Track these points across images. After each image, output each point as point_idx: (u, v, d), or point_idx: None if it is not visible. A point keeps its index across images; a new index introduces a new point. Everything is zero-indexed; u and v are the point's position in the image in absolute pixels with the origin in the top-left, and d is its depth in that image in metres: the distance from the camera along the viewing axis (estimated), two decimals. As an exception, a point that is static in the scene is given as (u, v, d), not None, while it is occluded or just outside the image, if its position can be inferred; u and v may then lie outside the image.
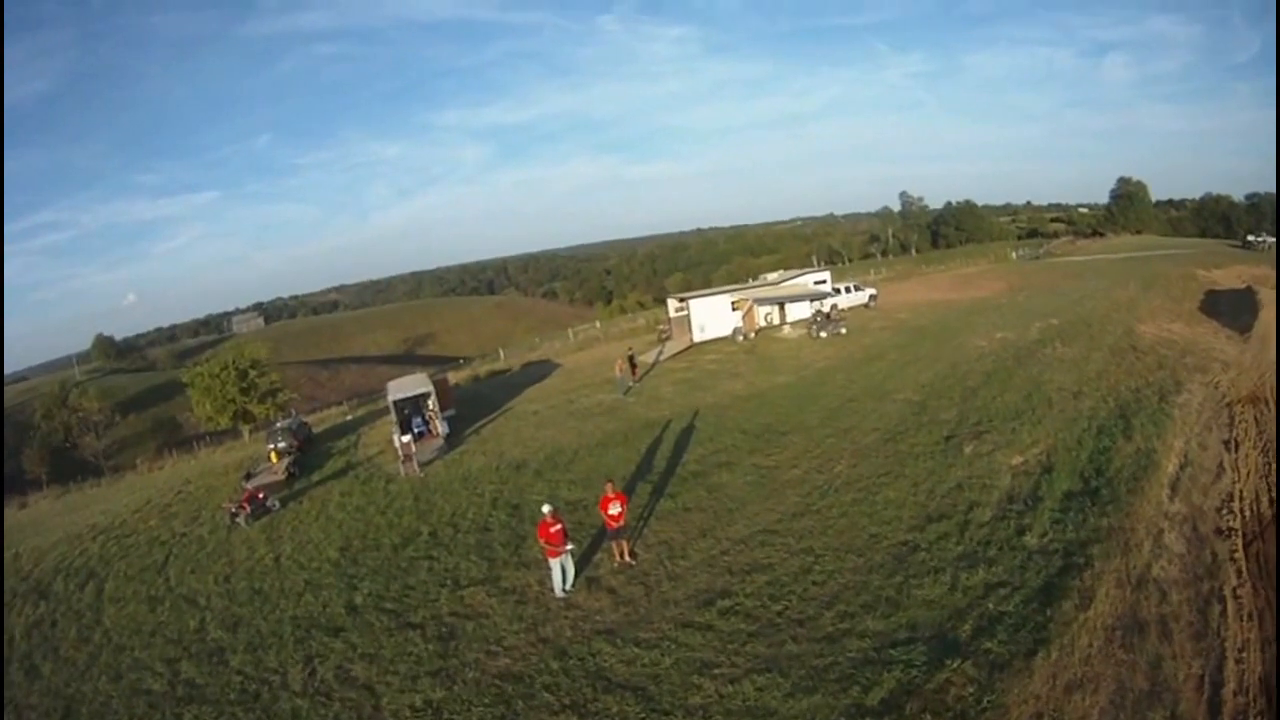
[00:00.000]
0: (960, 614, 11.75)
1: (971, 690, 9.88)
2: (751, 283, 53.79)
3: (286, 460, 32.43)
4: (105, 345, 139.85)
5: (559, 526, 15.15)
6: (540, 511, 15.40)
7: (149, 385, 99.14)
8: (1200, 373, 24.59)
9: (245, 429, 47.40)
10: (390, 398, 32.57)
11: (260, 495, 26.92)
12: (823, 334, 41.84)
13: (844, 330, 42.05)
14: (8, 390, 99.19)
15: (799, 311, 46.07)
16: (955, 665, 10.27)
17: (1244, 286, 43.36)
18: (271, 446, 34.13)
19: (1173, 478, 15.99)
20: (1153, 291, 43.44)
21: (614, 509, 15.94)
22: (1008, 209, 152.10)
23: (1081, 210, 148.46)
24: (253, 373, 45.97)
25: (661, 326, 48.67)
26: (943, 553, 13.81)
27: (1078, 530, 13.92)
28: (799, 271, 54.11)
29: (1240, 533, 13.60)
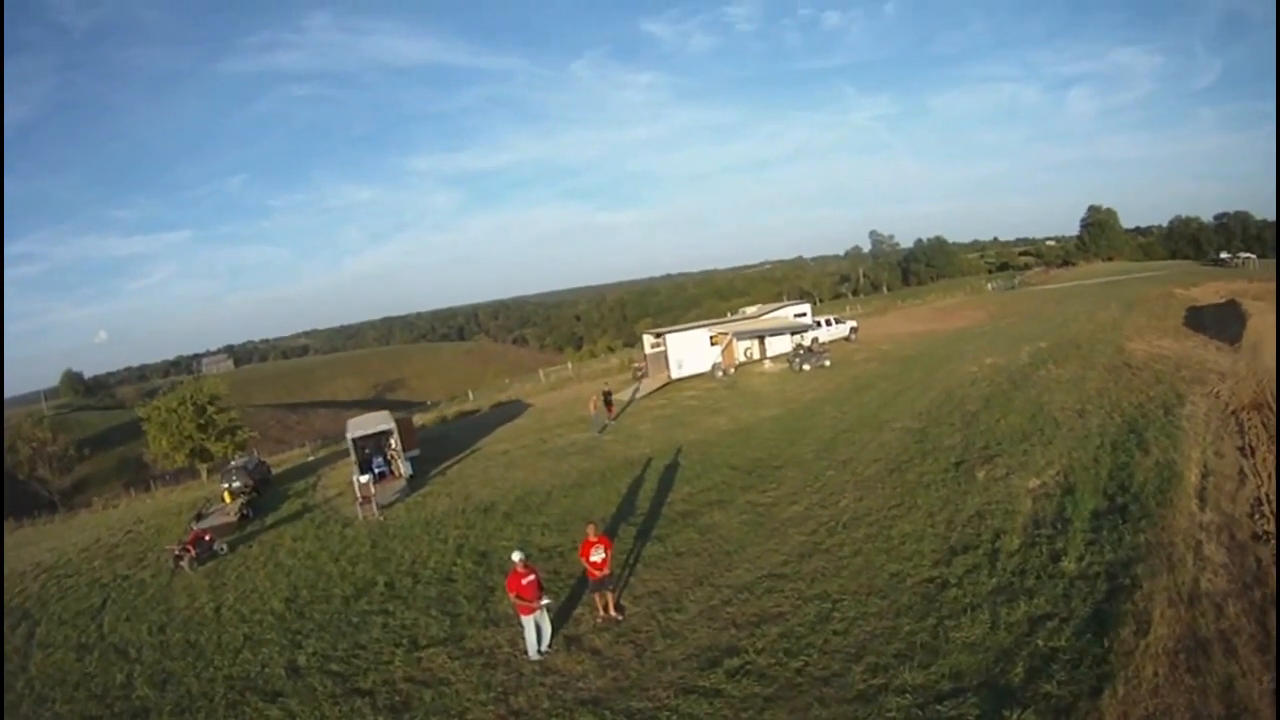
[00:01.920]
0: (1008, 655, 9.93)
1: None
2: (730, 317, 51.84)
3: (240, 501, 29.96)
4: (74, 381, 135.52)
5: (532, 577, 12.83)
6: (510, 560, 13.08)
7: (116, 423, 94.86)
8: (1199, 384, 23.98)
9: (203, 468, 44.24)
10: (350, 435, 30.19)
11: (207, 537, 24.49)
12: (805, 367, 40.34)
13: (827, 363, 40.60)
14: None
15: (779, 345, 44.46)
16: (1015, 718, 8.49)
17: (1225, 301, 43.89)
18: (225, 486, 31.65)
19: (1198, 488, 15.02)
20: (1135, 311, 43.36)
21: (596, 555, 13.64)
22: (975, 245, 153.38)
23: (1049, 243, 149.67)
24: (210, 409, 42.71)
25: (636, 365, 46.63)
26: (975, 587, 12.06)
27: (1115, 550, 12.61)
28: (778, 305, 52.48)
29: (1277, 536, 12.70)
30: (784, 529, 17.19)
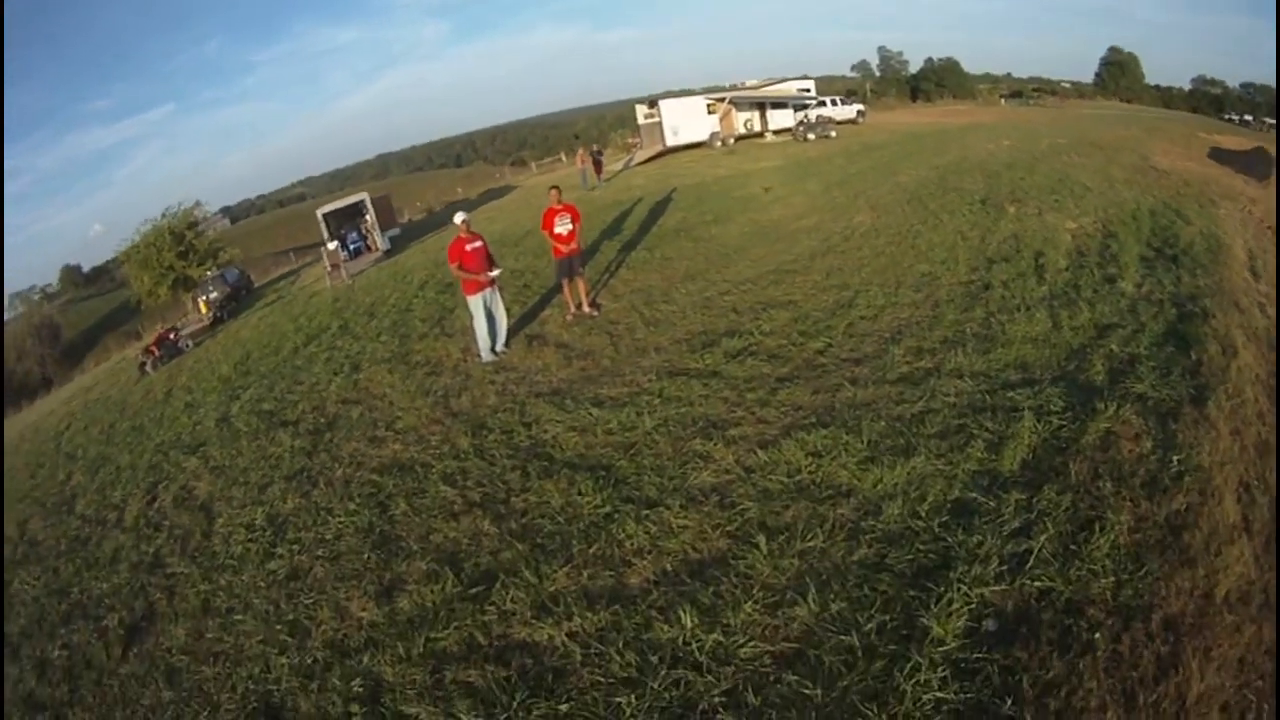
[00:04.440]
0: (1080, 354, 6.97)
1: (1149, 446, 5.12)
2: (729, 87, 46.59)
3: (215, 308, 27.44)
4: (73, 275, 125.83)
5: (479, 244, 9.59)
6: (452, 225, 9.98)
7: (118, 303, 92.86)
8: (1229, 200, 19.95)
9: (188, 298, 41.50)
10: (319, 212, 27.26)
11: (171, 336, 22.15)
12: (810, 136, 36.16)
13: (834, 134, 36.29)
14: None
15: (782, 119, 39.93)
16: (1111, 411, 5.56)
17: (1252, 148, 38.53)
18: (203, 297, 29.00)
19: (1246, 263, 11.97)
20: (1157, 135, 37.48)
21: (562, 226, 10.37)
22: (988, 78, 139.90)
23: (1065, 85, 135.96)
24: (189, 234, 39.03)
25: (630, 140, 42.42)
26: (1024, 292, 8.99)
27: (1176, 285, 9.46)
28: (779, 79, 46.94)
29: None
30: (793, 237, 14.21)
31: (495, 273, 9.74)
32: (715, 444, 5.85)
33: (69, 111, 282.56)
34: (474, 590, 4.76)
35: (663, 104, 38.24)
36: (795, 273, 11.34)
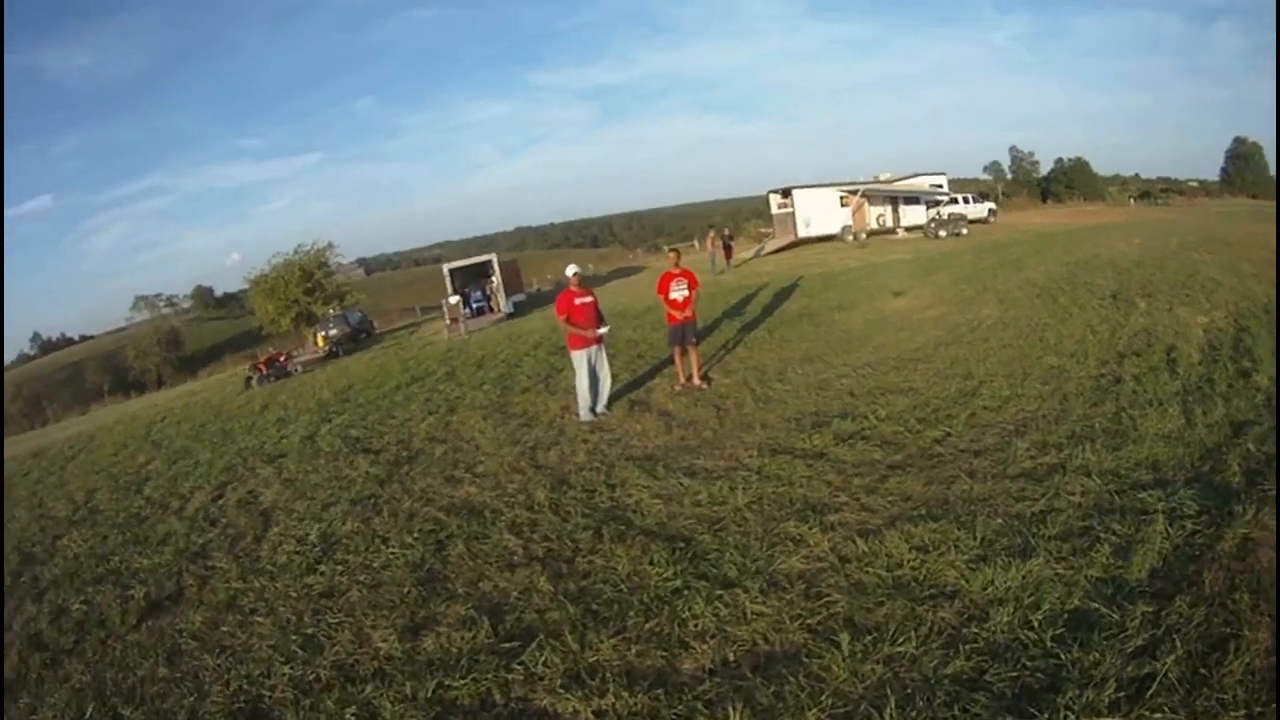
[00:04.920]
0: (1214, 453, 6.08)
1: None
2: (861, 180, 46.51)
3: (332, 344, 28.68)
4: (204, 295, 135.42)
5: (589, 299, 9.48)
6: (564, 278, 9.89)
7: (243, 329, 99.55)
8: None
9: (309, 332, 43.89)
10: (445, 267, 28.28)
11: (282, 359, 23.15)
12: (941, 233, 35.56)
13: (965, 232, 35.63)
14: (108, 338, 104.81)
15: (914, 215, 39.39)
16: (1249, 515, 4.75)
17: None
18: (322, 332, 30.47)
19: None
20: None
21: (678, 291, 10.13)
22: (1116, 179, 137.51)
23: (1191, 184, 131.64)
24: (318, 273, 41.48)
25: (763, 230, 42.66)
26: (1157, 387, 8.18)
27: None
28: (913, 174, 46.65)
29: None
30: (918, 327, 13.61)
31: (603, 330, 9.56)
32: (811, 528, 5.16)
33: (219, 144, 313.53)
34: (507, 645, 4.20)
35: (796, 193, 38.38)
36: (917, 361, 10.72)
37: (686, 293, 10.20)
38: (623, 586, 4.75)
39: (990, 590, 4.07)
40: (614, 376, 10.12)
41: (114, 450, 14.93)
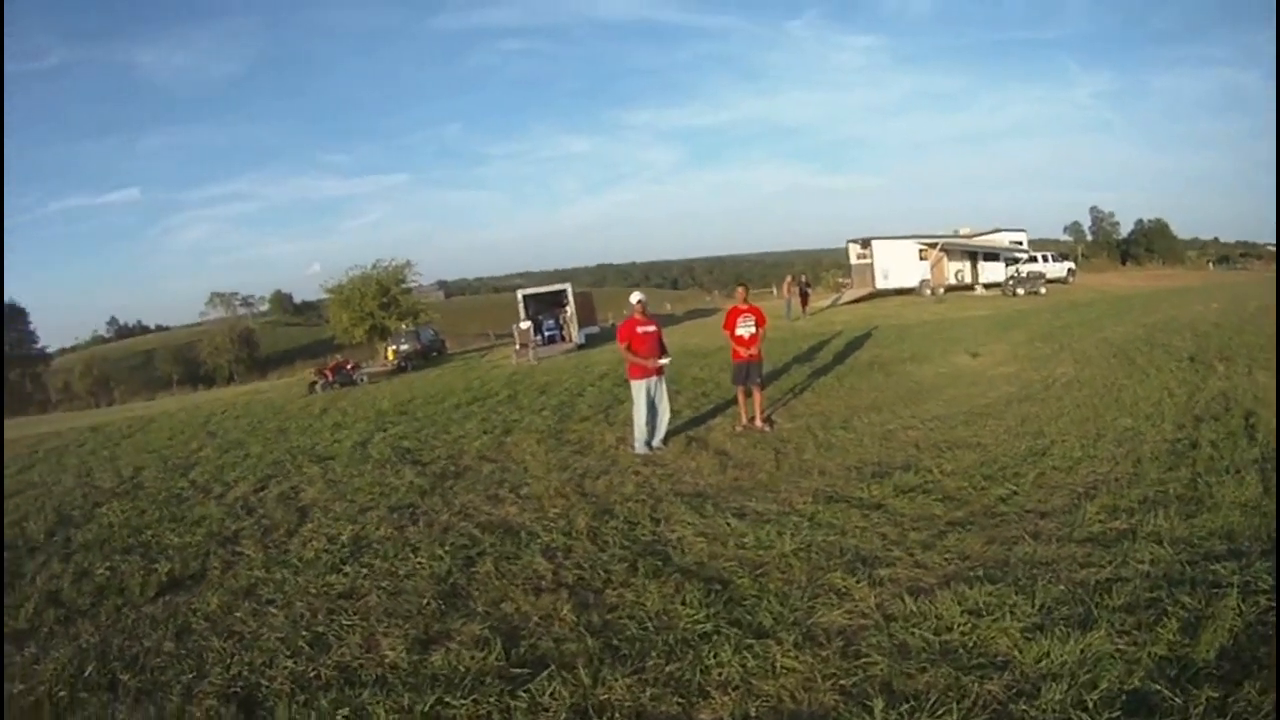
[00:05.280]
0: None
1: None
2: (941, 233, 45.56)
3: (401, 358, 29.25)
4: (282, 301, 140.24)
5: (652, 329, 9.33)
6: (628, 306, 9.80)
7: (318, 338, 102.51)
8: None
9: (381, 348, 45.02)
10: (519, 293, 28.60)
11: (349, 366, 23.68)
12: (1020, 291, 35.25)
13: (1043, 291, 35.26)
14: (186, 331, 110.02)
15: (993, 272, 38.68)
16: None
17: None
18: (393, 346, 31.16)
19: None
20: None
21: (745, 328, 9.92)
22: (1195, 243, 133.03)
23: (1269, 248, 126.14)
24: (395, 289, 42.34)
25: (841, 280, 42.17)
26: (1235, 453, 7.77)
27: None
28: (993, 229, 45.66)
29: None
30: (990, 381, 13.30)
31: (664, 361, 9.41)
32: (858, 581, 4.80)
33: (308, 157, 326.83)
34: (517, 670, 3.99)
35: (875, 244, 37.93)
36: (988, 416, 10.33)
37: (753, 330, 9.98)
38: (649, 624, 4.48)
39: (1044, 663, 3.69)
40: (675, 412, 9.94)
41: (169, 434, 15.77)
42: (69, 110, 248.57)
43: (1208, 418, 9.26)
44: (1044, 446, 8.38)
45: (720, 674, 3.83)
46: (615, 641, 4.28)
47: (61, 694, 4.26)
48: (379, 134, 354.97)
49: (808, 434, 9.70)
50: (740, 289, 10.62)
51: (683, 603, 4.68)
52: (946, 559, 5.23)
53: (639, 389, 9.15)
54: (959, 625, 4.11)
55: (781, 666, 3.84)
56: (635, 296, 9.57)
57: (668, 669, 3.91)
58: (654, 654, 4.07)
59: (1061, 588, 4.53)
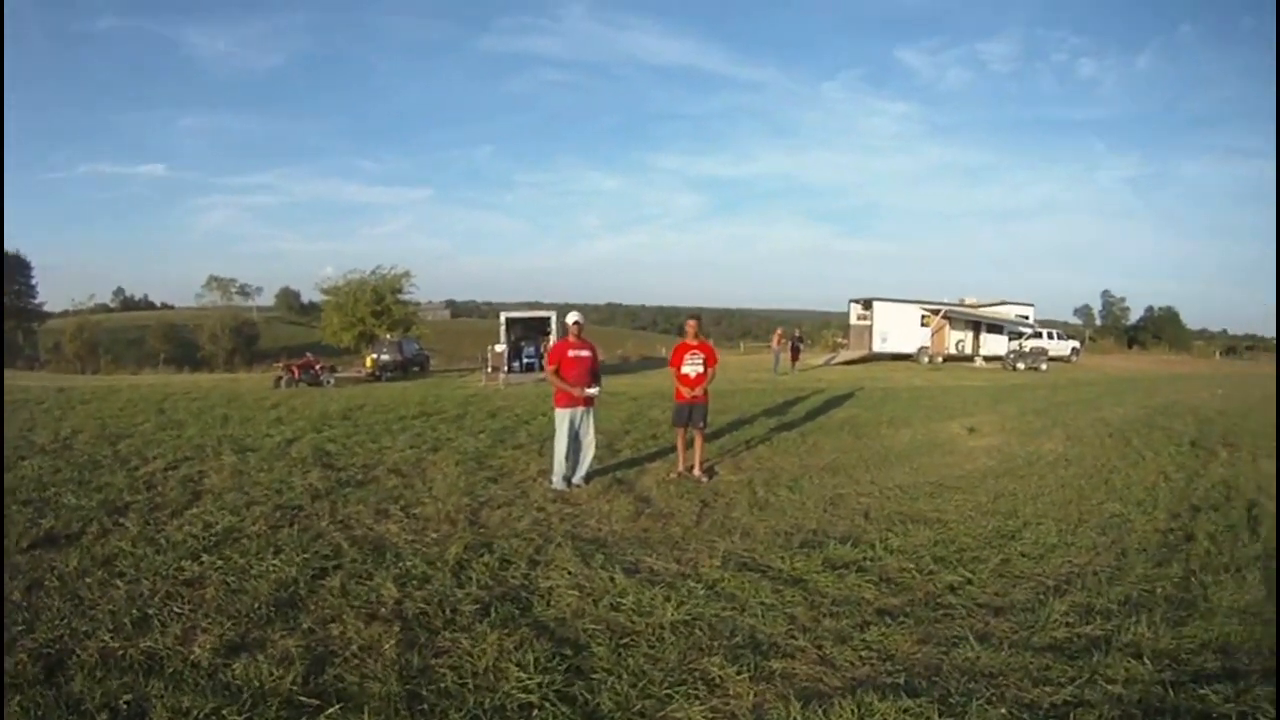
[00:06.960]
0: None
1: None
2: (945, 301, 45.00)
3: (379, 368, 29.15)
4: (289, 298, 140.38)
5: (586, 353, 9.03)
6: (564, 325, 9.57)
7: (318, 339, 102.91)
8: None
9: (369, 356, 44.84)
10: (502, 315, 28.52)
11: (317, 366, 23.53)
12: (1020, 365, 35.57)
13: (1044, 367, 35.66)
14: (187, 311, 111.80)
15: (995, 345, 38.73)
16: None
17: None
18: (373, 355, 31.13)
19: None
20: None
21: (692, 366, 9.68)
22: (1204, 334, 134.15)
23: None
24: (389, 298, 41.65)
25: (839, 340, 42.10)
26: (1235, 550, 7.37)
27: None
28: (999, 300, 45.66)
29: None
30: (969, 453, 12.82)
31: (594, 390, 9.07)
32: (739, 673, 4.20)
33: (336, 160, 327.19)
34: (304, 699, 3.78)
35: (877, 305, 37.88)
36: (957, 490, 9.77)
37: (700, 369, 9.70)
38: (470, 680, 4.07)
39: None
40: (615, 451, 9.65)
41: (122, 406, 16.45)
42: (110, 76, 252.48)
43: (1207, 507, 8.99)
44: (1014, 529, 7.84)
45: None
46: (424, 691, 3.93)
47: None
48: (410, 146, 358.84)
49: (746, 489, 9.29)
50: (691, 323, 10.21)
51: (518, 663, 4.24)
52: (863, 657, 4.56)
53: (563, 419, 8.82)
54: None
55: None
56: (572, 317, 9.16)
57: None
58: (458, 715, 3.71)
59: (1002, 712, 3.84)
